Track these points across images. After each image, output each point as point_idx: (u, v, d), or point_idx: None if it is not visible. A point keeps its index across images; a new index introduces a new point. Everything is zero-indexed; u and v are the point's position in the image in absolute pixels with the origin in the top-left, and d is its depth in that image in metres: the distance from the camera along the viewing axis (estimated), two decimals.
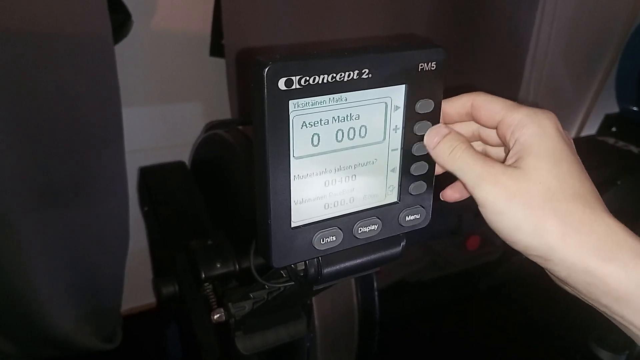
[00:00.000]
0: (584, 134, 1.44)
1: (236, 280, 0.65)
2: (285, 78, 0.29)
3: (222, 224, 0.72)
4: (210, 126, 0.73)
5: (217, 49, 1.07)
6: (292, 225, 0.32)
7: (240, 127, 0.69)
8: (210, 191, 0.74)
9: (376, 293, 0.65)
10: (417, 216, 0.37)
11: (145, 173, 0.78)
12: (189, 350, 0.81)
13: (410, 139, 0.35)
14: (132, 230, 0.99)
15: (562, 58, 1.36)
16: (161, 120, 1.11)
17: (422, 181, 0.36)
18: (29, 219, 0.98)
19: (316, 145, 0.32)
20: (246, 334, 0.52)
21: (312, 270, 0.35)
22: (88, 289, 1.07)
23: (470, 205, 1.13)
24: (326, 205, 0.33)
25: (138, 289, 1.11)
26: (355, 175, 0.34)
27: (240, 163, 0.64)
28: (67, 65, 0.93)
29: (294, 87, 0.29)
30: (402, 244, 0.38)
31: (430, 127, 0.35)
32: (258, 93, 0.29)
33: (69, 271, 1.05)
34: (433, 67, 0.33)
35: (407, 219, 0.36)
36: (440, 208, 1.10)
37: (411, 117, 0.34)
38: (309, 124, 0.31)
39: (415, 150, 0.35)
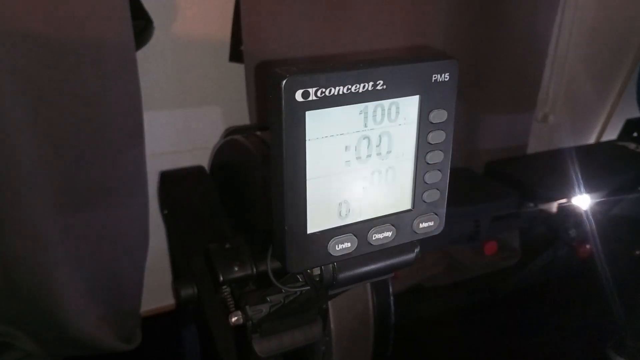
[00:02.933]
0: (604, 139, 1.43)
1: (253, 284, 0.66)
2: (302, 90, 0.30)
3: (240, 228, 0.73)
4: (229, 132, 0.74)
5: (236, 54, 1.09)
6: (307, 232, 0.33)
7: (258, 133, 0.70)
8: (228, 195, 0.76)
9: (391, 298, 0.66)
10: (431, 223, 0.38)
11: (166, 177, 0.80)
12: (207, 351, 0.82)
13: (425, 148, 0.36)
14: (151, 233, 1.02)
15: (582, 63, 1.35)
16: (181, 124, 1.14)
17: (435, 189, 0.37)
18: (53, 221, 1.01)
19: (332, 155, 0.33)
20: (263, 337, 0.53)
21: (328, 276, 0.36)
22: (109, 290, 1.10)
23: (487, 210, 1.13)
24: (341, 212, 0.34)
25: (157, 290, 1.13)
26: (369, 183, 0.35)
27: (258, 168, 0.66)
28: (90, 70, 0.95)
29: (310, 98, 0.31)
30: (416, 250, 0.39)
31: (444, 136, 0.36)
32: (276, 104, 0.30)
33: (90, 272, 1.07)
34: (446, 78, 0.34)
35: (421, 226, 0.37)
36: (458, 213, 1.09)
37: (425, 126, 0.35)
38: (325, 134, 0.32)
39: (429, 158, 0.36)
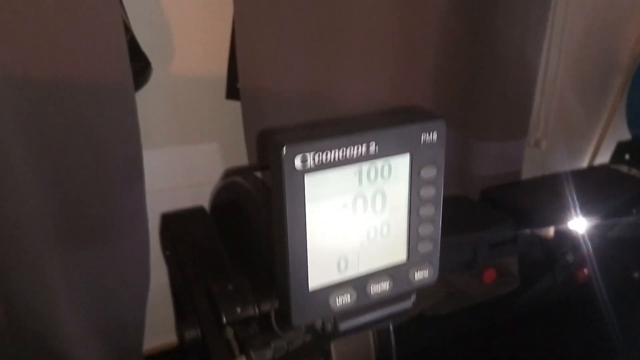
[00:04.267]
0: (597, 161, 1.46)
1: (257, 324, 0.68)
2: (301, 156, 0.33)
3: (242, 268, 0.75)
4: (228, 173, 0.77)
5: (233, 92, 1.12)
6: (309, 288, 0.35)
7: (258, 174, 0.73)
8: (229, 236, 0.77)
9: (392, 336, 0.67)
10: (426, 273, 0.40)
11: (167, 219, 0.82)
12: None
13: (417, 202, 0.38)
14: (152, 270, 1.03)
15: (571, 87, 1.39)
16: (180, 161, 1.16)
17: (429, 240, 0.39)
18: (55, 260, 1.03)
19: (330, 214, 0.35)
20: None
21: (329, 327, 0.38)
22: (111, 328, 1.11)
23: (484, 238, 1.15)
24: (340, 267, 0.37)
25: (159, 327, 1.14)
26: (366, 238, 0.37)
27: (259, 210, 0.68)
28: (90, 111, 0.98)
29: (308, 163, 0.33)
30: (413, 298, 0.41)
31: (434, 191, 0.38)
32: (276, 169, 0.33)
33: (93, 311, 1.08)
34: (435, 136, 0.37)
35: (416, 276, 0.39)
36: (455, 242, 1.11)
37: (416, 182, 0.37)
38: (323, 194, 0.34)
39: (422, 212, 0.38)
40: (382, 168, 0.36)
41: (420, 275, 0.39)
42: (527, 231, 1.20)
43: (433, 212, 0.38)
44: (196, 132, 1.14)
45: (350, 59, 1.14)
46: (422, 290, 1.26)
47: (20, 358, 1.10)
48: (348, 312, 0.38)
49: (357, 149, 0.34)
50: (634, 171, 1.35)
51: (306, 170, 0.33)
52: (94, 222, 1.05)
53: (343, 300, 0.36)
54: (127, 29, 1.00)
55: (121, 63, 0.96)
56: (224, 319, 0.67)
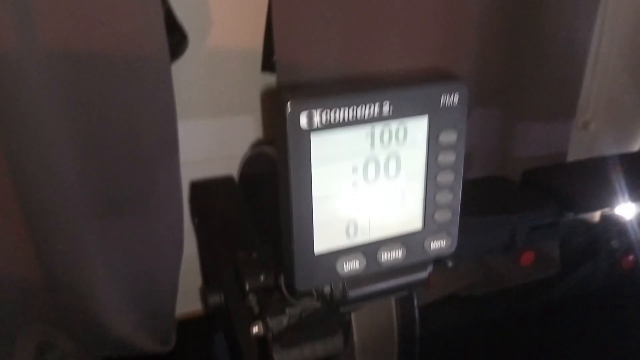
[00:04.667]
0: None
1: (280, 292, 0.68)
2: (307, 113, 0.31)
3: (267, 237, 0.75)
4: (257, 143, 0.76)
5: (268, 64, 1.11)
6: (315, 252, 0.34)
7: None
8: (256, 205, 0.77)
9: (417, 311, 0.65)
10: (443, 243, 0.38)
11: (196, 187, 0.82)
12: (233, 356, 0.84)
13: (435, 168, 0.36)
14: (185, 239, 1.05)
15: (624, 68, 1.31)
16: (214, 133, 1.17)
17: (447, 209, 0.37)
18: (92, 227, 1.06)
19: (338, 177, 0.33)
20: (283, 347, 0.54)
21: (337, 293, 0.37)
22: (146, 294, 1.14)
23: (524, 220, 1.11)
24: (349, 232, 0.35)
25: (190, 294, 1.16)
26: (378, 204, 0.35)
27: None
28: (127, 84, 0.99)
29: (315, 121, 0.31)
30: (429, 269, 0.39)
31: (454, 157, 0.36)
32: (281, 128, 0.31)
33: (128, 277, 1.11)
34: (456, 99, 0.34)
35: (432, 245, 0.37)
36: (493, 223, 1.08)
37: (435, 148, 0.35)
38: (331, 156, 0.33)
39: (440, 179, 0.36)
40: (397, 130, 0.34)
41: (437, 245, 0.37)
42: (570, 215, 1.15)
43: (452, 179, 0.36)
44: (231, 105, 1.13)
45: (390, 34, 1.10)
46: (458, 270, 1.23)
47: (57, 319, 1.14)
48: (357, 279, 0.36)
49: (370, 108, 0.32)
50: None
51: (312, 129, 0.31)
52: (130, 193, 1.08)
53: (351, 266, 0.35)
54: (164, 1, 1.00)
55: (157, 35, 0.96)
56: (247, 287, 0.67)
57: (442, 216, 0.37)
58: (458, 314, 1.20)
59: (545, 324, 1.14)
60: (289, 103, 0.30)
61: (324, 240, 0.34)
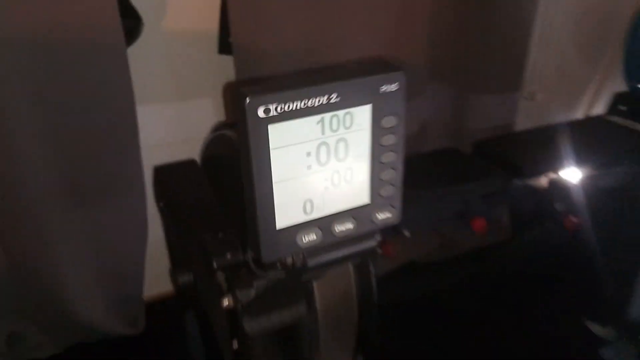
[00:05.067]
0: (593, 113, 1.48)
1: (246, 269, 0.73)
2: (264, 107, 0.36)
3: (231, 217, 0.80)
4: (218, 126, 0.80)
5: (225, 47, 1.14)
6: (277, 228, 0.40)
7: None
8: (219, 187, 0.82)
9: (373, 277, 0.72)
10: (389, 214, 0.44)
11: (160, 171, 0.86)
12: (205, 334, 0.90)
13: (378, 150, 0.41)
14: (150, 223, 1.08)
15: (568, 39, 1.40)
16: (174, 116, 1.20)
17: (390, 185, 0.43)
18: (57, 216, 1.08)
19: (294, 161, 0.39)
20: (252, 317, 0.60)
21: (299, 263, 0.43)
22: (112, 279, 1.17)
23: (476, 189, 1.20)
24: (306, 209, 0.41)
25: (157, 278, 1.21)
26: (330, 183, 0.41)
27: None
28: (83, 70, 1.01)
29: (271, 113, 0.37)
30: (377, 238, 0.45)
31: (395, 139, 0.41)
32: (242, 120, 0.36)
33: (95, 264, 1.15)
34: (395, 88, 0.40)
35: (379, 217, 0.43)
36: (447, 193, 1.16)
37: (377, 131, 0.41)
38: (287, 143, 0.38)
39: (383, 159, 0.42)
40: (344, 118, 0.40)
41: (384, 216, 0.43)
42: (518, 182, 1.24)
43: (394, 158, 0.42)
44: (189, 88, 1.17)
45: (345, 13, 1.15)
46: (416, 240, 1.31)
47: (25, 310, 1.17)
48: (315, 250, 0.42)
49: (319, 100, 0.37)
50: (629, 122, 1.37)
51: (269, 120, 0.36)
52: (92, 180, 1.10)
53: (309, 238, 0.41)
54: None
55: (111, 20, 0.98)
56: (215, 265, 0.72)
57: (386, 191, 0.43)
58: (417, 281, 1.28)
59: (498, 286, 1.24)
60: (247, 98, 0.35)
61: (284, 217, 0.40)
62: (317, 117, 0.38)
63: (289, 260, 0.43)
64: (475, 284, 1.28)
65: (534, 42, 1.34)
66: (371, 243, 0.44)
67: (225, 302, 0.59)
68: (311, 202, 0.40)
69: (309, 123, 0.38)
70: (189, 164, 0.86)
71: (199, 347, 0.95)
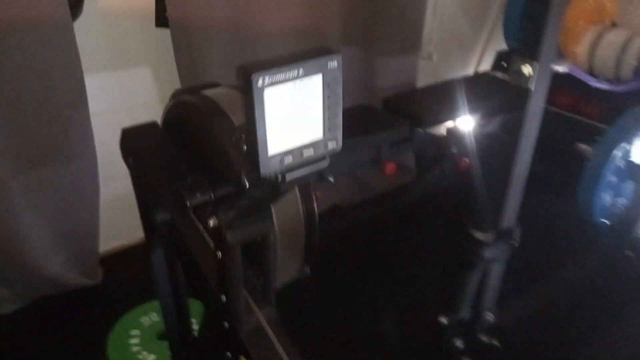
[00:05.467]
0: (481, 69, 1.90)
1: (212, 207, 1.03)
2: (261, 79, 0.67)
3: (194, 167, 1.08)
4: (177, 92, 1.08)
5: (162, 20, 1.40)
6: (268, 155, 0.71)
7: (204, 92, 1.05)
8: (181, 147, 1.10)
9: (315, 203, 1.05)
10: (334, 143, 0.77)
11: (127, 132, 1.12)
12: (175, 269, 1.19)
13: (327, 102, 0.74)
14: (108, 181, 1.34)
15: (458, 5, 1.78)
16: (116, 85, 1.45)
17: (335, 125, 0.76)
18: (16, 179, 1.31)
19: (280, 111, 0.70)
20: (233, 231, 0.90)
21: (280, 178, 0.74)
22: (70, 235, 1.42)
23: (386, 138, 1.62)
24: (286, 142, 0.72)
25: (116, 232, 1.47)
26: (301, 125, 0.73)
27: (207, 123, 1.00)
28: (34, 45, 1.24)
29: (266, 82, 0.67)
30: (327, 160, 0.77)
31: (337, 95, 0.74)
32: (247, 89, 0.67)
33: (51, 220, 1.39)
34: (335, 65, 0.72)
35: (329, 146, 0.76)
36: (362, 142, 1.55)
37: (326, 90, 0.73)
38: (276, 99, 0.69)
39: (330, 107, 0.74)
40: (309, 83, 0.71)
41: (332, 145, 0.75)
42: (421, 131, 1.62)
43: (337, 108, 0.74)
44: (130, 58, 1.42)
45: None
46: (336, 185, 1.69)
47: None
48: (290, 168, 0.73)
49: (293, 73, 0.69)
50: (507, 77, 1.79)
51: (265, 86, 0.67)
52: (47, 144, 1.34)
53: (287, 160, 0.72)
54: None
55: None
56: (188, 203, 1.01)
57: (333, 128, 0.75)
58: (340, 221, 1.64)
59: (407, 217, 1.63)
60: (252, 74, 0.66)
61: (273, 147, 0.71)
62: (292, 83, 0.69)
63: (273, 176, 0.74)
64: (389, 219, 1.65)
65: (429, 9, 1.71)
66: (324, 164, 0.76)
67: (212, 221, 0.89)
68: (289, 137, 0.72)
69: (287, 87, 0.69)
70: (152, 125, 1.13)
71: (166, 283, 1.24)
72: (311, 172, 0.77)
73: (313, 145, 0.74)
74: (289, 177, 0.75)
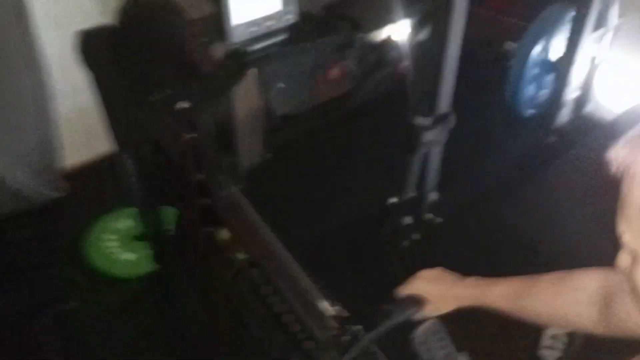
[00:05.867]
0: None
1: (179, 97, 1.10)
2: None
3: (161, 67, 1.13)
4: None
5: None
6: (233, 24, 0.79)
7: None
8: (142, 43, 1.15)
9: (273, 92, 1.14)
10: (291, 16, 0.85)
11: (84, 35, 1.15)
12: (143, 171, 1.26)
13: None
14: (69, 95, 1.38)
15: None
16: None
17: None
18: None
19: None
20: (204, 110, 0.99)
21: (244, 49, 0.83)
22: (33, 150, 1.46)
23: (329, 43, 1.69)
24: (248, 15, 0.80)
25: (79, 146, 1.52)
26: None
27: (165, 20, 1.05)
28: None
29: None
30: (287, 33, 0.86)
31: None
32: None
33: (14, 137, 1.42)
34: None
35: (287, 18, 0.85)
36: (306, 48, 1.62)
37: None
38: None
39: None
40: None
41: (289, 17, 0.85)
42: (361, 35, 1.71)
43: None
44: None
45: None
46: (286, 94, 1.75)
47: None
48: (255, 40, 0.82)
49: None
50: None
51: None
52: None
53: (252, 29, 0.81)
54: None
55: None
56: (153, 98, 1.08)
57: (290, 1, 0.84)
58: (291, 129, 1.73)
59: (353, 118, 1.74)
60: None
61: (237, 17, 0.79)
62: None
63: (241, 49, 0.83)
64: (336, 123, 1.76)
65: None
66: (284, 36, 0.86)
67: (178, 105, 0.97)
68: (251, 8, 0.80)
69: None
70: (110, 27, 1.16)
71: (140, 189, 1.30)
72: (274, 43, 0.86)
73: (274, 16, 0.83)
74: (252, 48, 0.84)
